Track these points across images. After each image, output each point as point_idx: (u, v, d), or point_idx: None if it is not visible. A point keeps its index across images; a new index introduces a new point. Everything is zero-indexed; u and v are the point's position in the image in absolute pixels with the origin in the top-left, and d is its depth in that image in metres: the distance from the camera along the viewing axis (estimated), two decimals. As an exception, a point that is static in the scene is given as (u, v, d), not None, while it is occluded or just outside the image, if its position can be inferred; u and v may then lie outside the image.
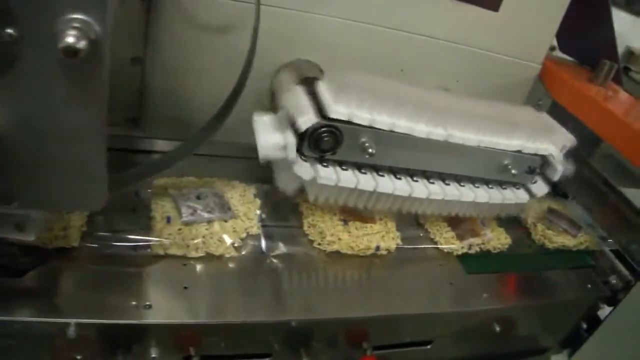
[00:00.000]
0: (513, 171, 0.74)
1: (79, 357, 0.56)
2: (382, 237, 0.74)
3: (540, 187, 0.80)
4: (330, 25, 0.80)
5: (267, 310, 0.61)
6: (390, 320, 0.67)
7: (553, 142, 0.76)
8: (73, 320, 0.52)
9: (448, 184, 0.74)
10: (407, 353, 0.72)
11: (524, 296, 0.78)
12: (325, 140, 0.63)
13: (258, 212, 0.71)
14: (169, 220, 0.65)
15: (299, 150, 0.64)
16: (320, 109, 0.63)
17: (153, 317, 0.56)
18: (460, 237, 0.80)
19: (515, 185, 0.80)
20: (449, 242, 0.79)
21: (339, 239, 0.71)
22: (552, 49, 1.07)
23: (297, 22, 0.78)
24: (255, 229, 0.69)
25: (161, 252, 0.62)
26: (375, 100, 0.64)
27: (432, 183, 0.72)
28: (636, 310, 0.80)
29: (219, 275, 0.63)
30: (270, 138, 0.62)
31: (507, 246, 0.83)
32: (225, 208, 0.68)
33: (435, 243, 0.79)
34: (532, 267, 0.83)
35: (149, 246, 0.62)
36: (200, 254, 0.63)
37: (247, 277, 0.64)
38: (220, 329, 0.59)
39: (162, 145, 0.82)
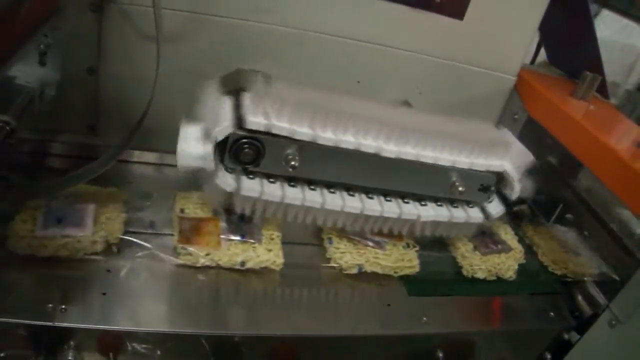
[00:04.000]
0: (460, 189, 0.70)
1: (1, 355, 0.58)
2: None
3: (495, 207, 0.75)
4: (279, 35, 0.79)
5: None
6: (313, 340, 0.64)
7: (507, 159, 0.72)
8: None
9: (389, 201, 0.71)
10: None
11: (471, 322, 0.73)
12: (245, 152, 0.62)
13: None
14: (475, 249, 0.81)
15: (222, 162, 0.63)
16: (240, 120, 0.62)
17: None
18: None
19: (469, 204, 0.76)
20: None
21: (567, 266, 0.84)
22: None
23: (245, 32, 0.78)
24: (522, 259, 0.84)
25: (469, 275, 0.79)
26: (295, 110, 0.62)
27: (371, 198, 0.69)
28: (601, 344, 0.74)
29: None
30: (189, 147, 0.62)
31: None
32: (504, 243, 0.85)
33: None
34: (487, 292, 0.78)
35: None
36: (494, 277, 0.80)
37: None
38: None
39: (118, 153, 0.83)
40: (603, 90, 0.94)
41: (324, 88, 0.68)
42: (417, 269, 0.75)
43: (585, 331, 0.75)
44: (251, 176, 0.65)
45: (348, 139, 0.64)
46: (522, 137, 0.92)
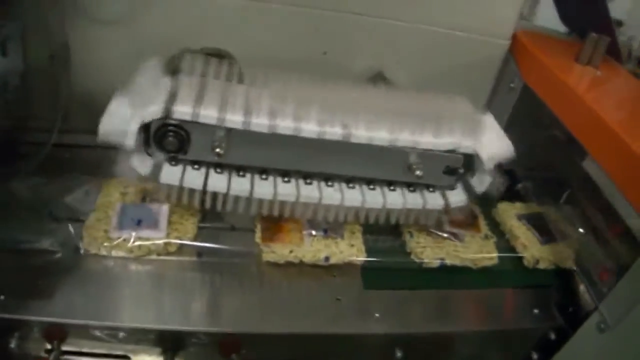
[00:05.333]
0: (417, 172, 0.62)
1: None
2: None
3: (457, 195, 0.67)
4: (238, 8, 0.74)
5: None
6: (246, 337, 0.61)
7: (480, 141, 0.63)
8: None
9: (352, 188, 0.65)
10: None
11: (434, 321, 0.66)
12: (169, 140, 0.58)
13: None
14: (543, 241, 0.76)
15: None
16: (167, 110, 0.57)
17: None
18: None
19: (429, 188, 0.68)
20: None
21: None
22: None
23: (203, 8, 0.74)
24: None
25: (530, 265, 0.74)
26: (227, 98, 0.58)
27: (309, 184, 0.64)
28: (589, 350, 0.65)
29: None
30: (114, 120, 0.57)
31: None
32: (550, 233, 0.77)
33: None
34: (462, 284, 0.70)
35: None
36: (552, 267, 0.74)
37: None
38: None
39: (85, 139, 0.82)
40: (616, 53, 0.82)
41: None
42: (495, 261, 0.72)
43: (574, 333, 0.66)
44: (173, 162, 0.61)
45: (286, 125, 0.59)
46: (519, 108, 0.83)
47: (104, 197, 0.68)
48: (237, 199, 0.62)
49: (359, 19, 0.75)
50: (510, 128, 0.85)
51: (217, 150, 0.58)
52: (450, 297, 0.69)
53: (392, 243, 0.72)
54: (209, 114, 0.57)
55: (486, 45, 0.80)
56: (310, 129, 0.59)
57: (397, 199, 0.65)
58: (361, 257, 0.67)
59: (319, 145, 0.60)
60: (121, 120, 0.58)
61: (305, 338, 0.62)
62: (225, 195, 0.62)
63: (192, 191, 0.61)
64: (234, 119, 0.58)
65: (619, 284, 0.62)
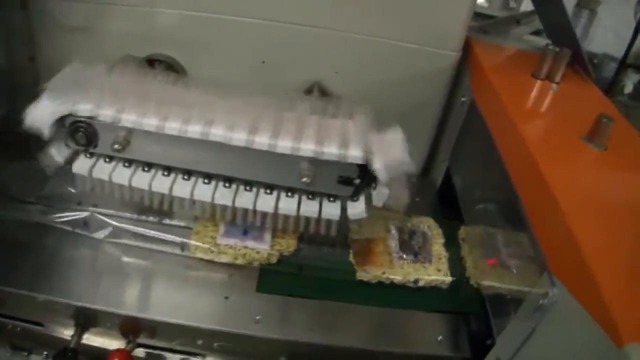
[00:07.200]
0: (304, 179, 0.62)
1: None
2: None
3: (357, 207, 0.66)
4: (175, 18, 0.78)
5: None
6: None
7: (372, 152, 0.61)
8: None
9: (249, 190, 0.66)
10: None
11: (323, 332, 0.64)
12: (79, 135, 0.64)
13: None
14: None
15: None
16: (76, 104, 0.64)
17: None
18: None
19: (330, 198, 0.67)
20: None
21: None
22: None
23: (142, 18, 0.79)
24: None
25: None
26: (131, 98, 0.63)
27: (207, 183, 0.66)
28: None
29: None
30: (41, 109, 0.62)
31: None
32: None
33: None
34: (369, 300, 0.69)
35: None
36: None
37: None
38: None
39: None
40: (582, 65, 0.74)
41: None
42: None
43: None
44: (88, 155, 0.67)
45: (173, 126, 0.62)
46: (467, 124, 0.79)
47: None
48: (141, 191, 0.67)
49: (297, 29, 0.76)
50: (458, 145, 0.81)
51: (115, 146, 0.63)
52: (360, 312, 0.68)
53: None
54: (106, 113, 0.62)
55: (433, 56, 0.76)
56: (194, 130, 0.61)
57: (290, 205, 0.65)
58: (447, 281, 0.71)
59: (216, 147, 0.62)
60: (42, 112, 0.65)
61: (186, 330, 0.64)
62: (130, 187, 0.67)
63: (102, 182, 0.67)
64: (129, 119, 0.62)
65: (512, 320, 0.56)
